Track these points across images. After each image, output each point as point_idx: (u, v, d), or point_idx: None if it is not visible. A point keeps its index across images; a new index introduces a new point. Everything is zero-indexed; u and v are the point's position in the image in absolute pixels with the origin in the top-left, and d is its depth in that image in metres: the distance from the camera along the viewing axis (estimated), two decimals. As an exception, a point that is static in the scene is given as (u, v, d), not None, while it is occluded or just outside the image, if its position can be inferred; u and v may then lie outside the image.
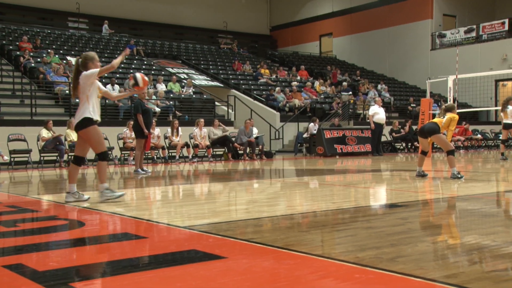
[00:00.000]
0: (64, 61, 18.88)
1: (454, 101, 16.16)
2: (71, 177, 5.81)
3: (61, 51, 20.90)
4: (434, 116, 17.26)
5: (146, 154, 13.48)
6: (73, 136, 13.09)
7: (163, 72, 21.08)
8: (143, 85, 6.18)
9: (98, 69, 5.64)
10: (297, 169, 12.08)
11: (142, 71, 20.39)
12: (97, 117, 5.66)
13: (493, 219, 4.79)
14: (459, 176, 8.14)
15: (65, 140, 13.55)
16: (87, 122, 5.59)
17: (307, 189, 7.53)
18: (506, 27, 23.92)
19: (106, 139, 14.14)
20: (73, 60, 17.84)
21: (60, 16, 27.75)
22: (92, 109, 5.60)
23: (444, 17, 27.45)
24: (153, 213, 5.23)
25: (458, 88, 16.76)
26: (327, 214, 4.88)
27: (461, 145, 18.79)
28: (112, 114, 16.17)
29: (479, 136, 19.96)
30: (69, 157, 13.11)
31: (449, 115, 8.39)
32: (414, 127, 17.14)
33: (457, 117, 8.45)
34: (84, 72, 5.62)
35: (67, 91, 16.14)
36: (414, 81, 26.65)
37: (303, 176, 10.05)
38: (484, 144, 20.15)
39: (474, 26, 25.27)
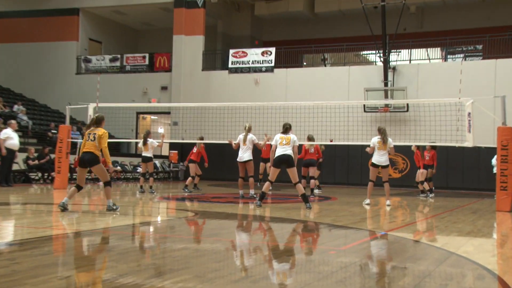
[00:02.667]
0: None
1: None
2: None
3: None
4: (73, 144, 17.53)
5: None
6: None
7: None
8: None
9: None
10: None
11: None
12: None
13: (113, 252, 5.20)
14: (115, 207, 8.55)
15: None
16: None
17: None
18: (147, 62, 26.51)
19: None
20: None
21: None
22: None
23: (90, 41, 28.46)
24: None
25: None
26: None
27: (115, 177, 19.60)
28: None
29: (118, 168, 21.20)
30: None
31: (99, 131, 8.71)
32: (53, 156, 16.98)
33: (106, 132, 8.84)
34: None
35: None
36: (57, 105, 26.50)
37: None
38: (123, 177, 21.51)
39: (119, 56, 27.07)
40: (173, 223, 8.34)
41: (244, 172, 13.03)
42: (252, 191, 12.93)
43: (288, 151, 10.30)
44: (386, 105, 21.16)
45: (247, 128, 12.88)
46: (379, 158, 11.81)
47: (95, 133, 8.72)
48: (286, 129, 10.56)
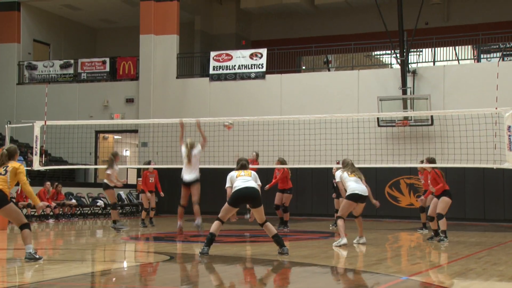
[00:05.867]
0: None
1: (43, 155, 16.75)
2: None
3: None
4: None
5: None
6: None
7: None
8: None
9: None
10: None
11: None
12: None
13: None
14: (37, 256, 8.48)
15: None
16: None
17: None
18: (108, 68, 26.44)
19: None
20: None
21: None
22: None
23: (35, 43, 28.42)
24: None
25: (47, 138, 17.47)
26: None
27: (51, 213, 19.48)
28: None
29: (73, 201, 21.06)
30: None
31: (12, 164, 8.63)
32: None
33: (22, 166, 8.73)
34: None
35: None
36: (-6, 124, 26.46)
37: None
38: (79, 212, 21.35)
39: (72, 61, 27.03)
40: (143, 269, 8.29)
41: (187, 198, 13.07)
42: (199, 220, 13.04)
43: (251, 182, 9.45)
44: (405, 118, 21.29)
45: (189, 144, 12.90)
46: (360, 185, 11.17)
47: (7, 166, 8.59)
48: (243, 165, 9.76)
